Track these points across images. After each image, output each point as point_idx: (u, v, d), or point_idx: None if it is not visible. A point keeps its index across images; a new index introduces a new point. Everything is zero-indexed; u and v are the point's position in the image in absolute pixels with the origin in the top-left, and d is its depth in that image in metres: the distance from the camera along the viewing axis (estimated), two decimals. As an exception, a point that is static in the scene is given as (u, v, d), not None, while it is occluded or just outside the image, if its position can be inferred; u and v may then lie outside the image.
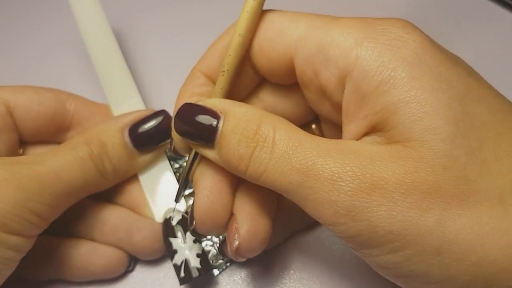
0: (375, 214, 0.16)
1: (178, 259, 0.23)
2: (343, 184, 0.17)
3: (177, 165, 0.29)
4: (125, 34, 0.38)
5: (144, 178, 0.26)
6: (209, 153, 0.20)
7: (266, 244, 0.22)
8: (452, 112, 0.17)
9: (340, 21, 0.19)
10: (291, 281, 0.26)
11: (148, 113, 0.25)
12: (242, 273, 0.26)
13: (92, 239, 0.25)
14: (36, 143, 0.27)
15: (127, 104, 0.27)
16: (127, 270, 0.26)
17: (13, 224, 0.20)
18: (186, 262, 0.23)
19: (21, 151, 0.26)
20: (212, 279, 0.26)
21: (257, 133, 0.19)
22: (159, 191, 0.26)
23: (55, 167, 0.22)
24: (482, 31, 0.36)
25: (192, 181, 0.23)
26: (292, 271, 0.26)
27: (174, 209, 0.25)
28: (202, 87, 0.23)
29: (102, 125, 0.24)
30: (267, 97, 0.24)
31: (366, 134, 0.19)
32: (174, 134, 0.22)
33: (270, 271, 0.26)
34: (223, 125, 0.19)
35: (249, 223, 0.21)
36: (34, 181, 0.21)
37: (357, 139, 0.19)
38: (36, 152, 0.26)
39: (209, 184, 0.21)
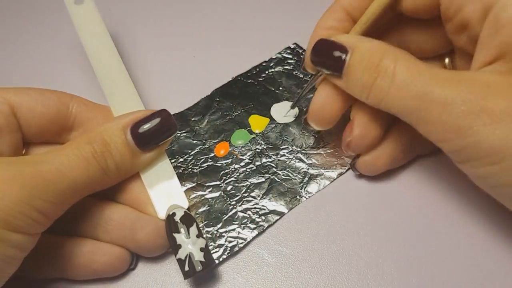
0: (480, 133, 0.20)
1: (182, 253, 0.23)
2: (455, 107, 0.20)
3: (176, 163, 0.29)
4: (122, 37, 0.39)
5: (145, 176, 0.26)
6: (337, 81, 0.25)
7: (372, 146, 0.27)
8: None
9: None
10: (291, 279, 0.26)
11: (149, 112, 0.25)
12: (243, 272, 0.26)
13: (95, 238, 0.25)
14: (39, 143, 0.27)
15: (127, 106, 0.27)
16: (129, 269, 0.26)
17: (17, 222, 0.20)
18: (190, 256, 0.23)
19: (24, 151, 0.26)
20: (213, 277, 0.26)
21: (379, 65, 0.22)
22: (161, 188, 0.26)
23: (58, 165, 0.22)
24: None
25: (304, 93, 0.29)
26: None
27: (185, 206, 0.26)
28: (340, 22, 0.26)
29: (105, 125, 0.25)
30: (405, 30, 0.28)
31: (491, 62, 0.21)
32: (307, 59, 0.27)
33: (271, 271, 0.26)
34: (350, 58, 0.23)
35: (362, 127, 0.26)
36: (38, 179, 0.21)
37: (483, 67, 0.22)
38: (39, 152, 0.26)
39: (328, 89, 0.26)
